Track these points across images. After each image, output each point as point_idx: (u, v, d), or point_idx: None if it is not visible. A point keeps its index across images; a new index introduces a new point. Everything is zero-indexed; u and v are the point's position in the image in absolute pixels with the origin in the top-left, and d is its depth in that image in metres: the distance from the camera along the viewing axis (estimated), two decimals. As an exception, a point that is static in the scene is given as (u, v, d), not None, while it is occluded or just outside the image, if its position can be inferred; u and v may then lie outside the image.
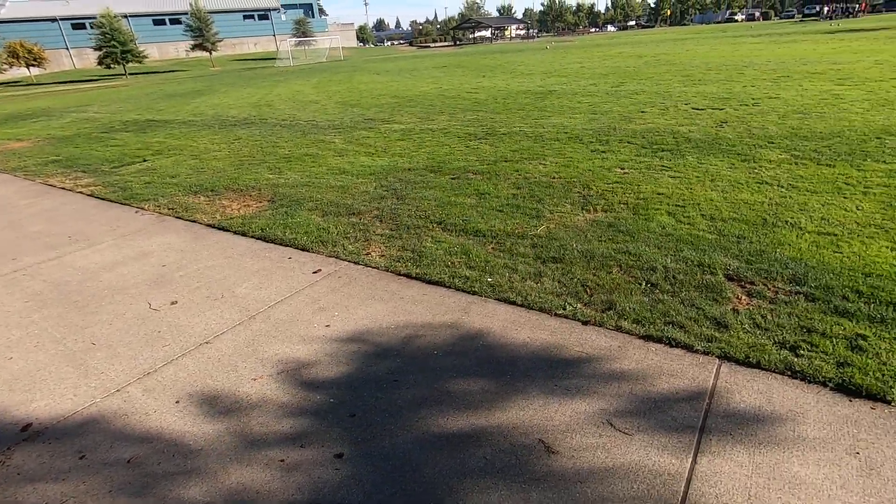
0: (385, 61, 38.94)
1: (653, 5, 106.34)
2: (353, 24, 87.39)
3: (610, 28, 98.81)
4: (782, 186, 4.88)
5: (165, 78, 37.84)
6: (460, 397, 2.41)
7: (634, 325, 2.88)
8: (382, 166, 6.80)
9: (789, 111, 8.20)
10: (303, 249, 4.31)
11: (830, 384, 2.33)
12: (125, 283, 3.93)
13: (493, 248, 4.04)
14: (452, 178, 5.99)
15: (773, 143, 6.43)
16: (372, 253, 4.13)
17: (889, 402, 2.19)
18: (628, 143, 7.02)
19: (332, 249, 4.24)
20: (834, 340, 2.60)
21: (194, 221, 5.29)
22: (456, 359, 2.70)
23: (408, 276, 3.70)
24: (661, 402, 2.28)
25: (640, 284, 3.31)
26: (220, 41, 53.33)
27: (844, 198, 4.50)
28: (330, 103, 14.23)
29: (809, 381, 2.36)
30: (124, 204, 6.14)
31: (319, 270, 3.89)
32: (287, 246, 4.43)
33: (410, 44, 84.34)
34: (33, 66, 43.98)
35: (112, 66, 44.52)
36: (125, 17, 51.79)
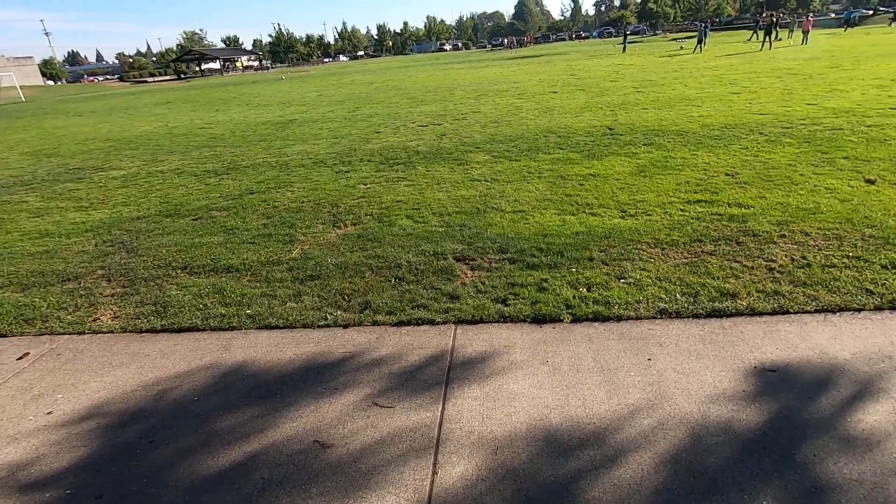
0: (89, 100, 32.82)
1: (376, 38, 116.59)
2: (31, 57, 70.57)
3: (342, 58, 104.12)
4: (487, 181, 6.08)
5: None
6: (229, 432, 2.35)
7: (388, 317, 3.24)
8: (102, 220, 5.84)
9: (487, 122, 10.17)
10: (-2, 336, 3.44)
11: (528, 319, 3.08)
12: None
13: (248, 280, 3.95)
14: (194, 220, 5.56)
15: (478, 147, 7.89)
16: (102, 318, 3.57)
17: (562, 321, 3.03)
18: (368, 161, 7.65)
19: (44, 326, 3.50)
20: (528, 288, 3.43)
21: None
22: (220, 397, 2.60)
23: (152, 331, 3.34)
24: (415, 372, 2.67)
25: (391, 281, 3.73)
26: None
27: (528, 183, 5.88)
28: (12, 155, 11.35)
29: (516, 321, 3.08)
30: None
31: (27, 354, 3.18)
32: (-29, 337, 3.46)
33: (121, 79, 72.73)
34: None
35: None
36: None
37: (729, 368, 2.50)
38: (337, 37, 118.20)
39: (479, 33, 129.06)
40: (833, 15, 61.20)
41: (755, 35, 32.66)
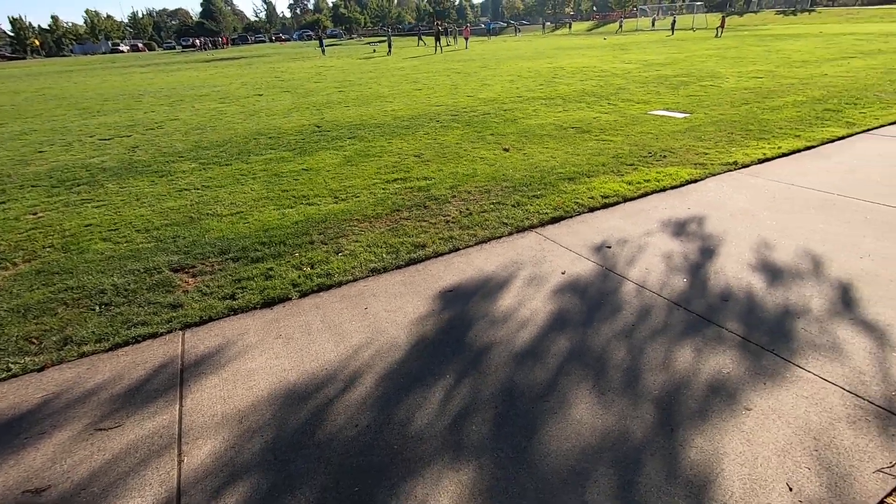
0: None
1: (11, 35, 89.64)
2: None
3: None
4: (198, 189, 5.79)
5: None
6: None
7: (98, 345, 2.93)
8: None
9: (189, 129, 9.42)
10: None
11: (259, 305, 3.26)
12: None
13: None
14: None
15: (182, 156, 7.32)
16: None
17: (291, 299, 3.32)
18: (33, 186, 6.23)
19: None
20: (255, 279, 3.58)
21: None
22: None
23: None
24: (141, 386, 2.56)
25: (94, 309, 3.32)
26: None
27: (242, 185, 5.86)
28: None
29: (247, 310, 3.22)
30: None
31: None
32: None
33: None
34: None
35: None
36: None
37: (423, 298, 3.24)
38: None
39: (163, 33, 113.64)
40: (483, 25, 76.87)
41: (421, 41, 38.82)
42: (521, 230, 4.20)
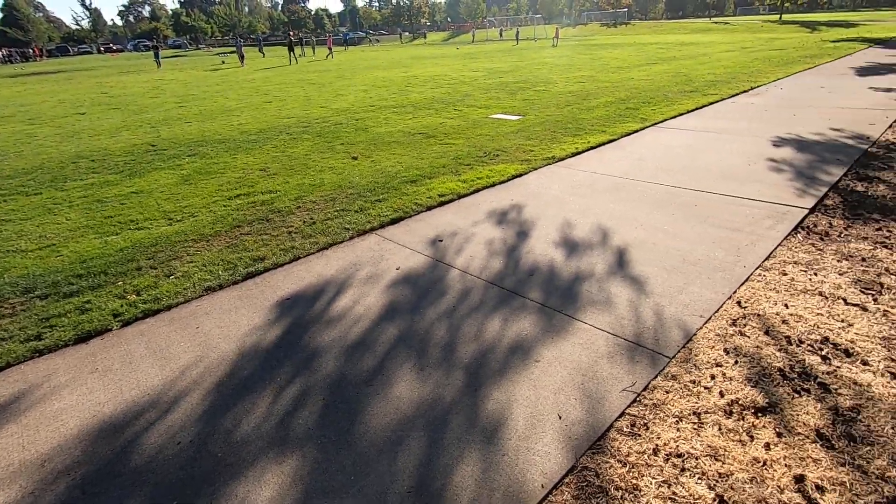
0: None
1: None
2: None
3: None
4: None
5: None
6: None
7: None
8: None
9: (-15, 156, 8.05)
10: None
11: (72, 341, 3.00)
12: None
13: None
14: None
15: (-25, 189, 6.27)
16: None
17: (111, 329, 3.11)
18: None
19: None
20: (67, 315, 3.27)
21: None
22: None
23: None
24: (-86, 451, 2.23)
25: None
26: None
27: (55, 214, 5.23)
28: None
29: (56, 349, 2.94)
30: None
31: None
32: None
33: None
34: None
35: None
36: None
37: (259, 309, 3.26)
38: None
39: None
40: (340, 35, 76.29)
41: (261, 52, 37.75)
42: (362, 233, 4.38)
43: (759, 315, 2.88)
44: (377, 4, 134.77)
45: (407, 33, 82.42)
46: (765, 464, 1.95)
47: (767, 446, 2.02)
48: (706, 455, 2.00)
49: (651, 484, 1.89)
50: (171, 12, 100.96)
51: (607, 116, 8.85)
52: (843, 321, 2.77)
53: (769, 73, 13.51)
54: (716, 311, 2.92)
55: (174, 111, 12.10)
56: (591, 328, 2.82)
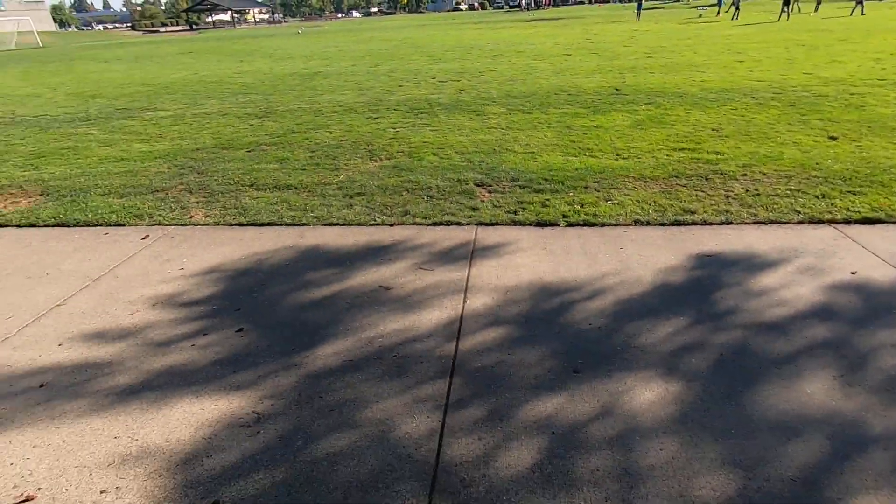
0: (109, 48, 33.16)
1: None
2: (43, 1, 69.93)
3: (355, 14, 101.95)
4: (503, 128, 6.90)
5: None
6: (317, 280, 3.32)
7: (424, 220, 4.18)
8: (166, 150, 6.75)
9: (503, 80, 10.84)
10: (117, 225, 4.41)
11: (533, 223, 4.01)
12: None
13: (306, 194, 4.88)
14: (248, 151, 6.46)
15: (495, 101, 8.65)
16: (196, 216, 4.52)
17: (558, 225, 3.96)
18: (394, 110, 8.45)
19: (152, 220, 4.47)
20: (533, 205, 4.34)
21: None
22: (304, 263, 3.58)
23: (240, 224, 4.30)
24: (447, 252, 3.62)
25: (424, 198, 4.64)
26: None
27: (538, 131, 6.70)
28: (58, 95, 12.19)
29: (523, 225, 4.00)
30: None
31: (147, 236, 4.16)
32: (96, 226, 4.43)
33: (132, 27, 71.97)
34: None
35: None
36: None
37: (679, 254, 3.43)
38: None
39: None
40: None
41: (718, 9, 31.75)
42: (815, 222, 3.78)
43: None
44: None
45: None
46: None
47: None
48: None
49: None
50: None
51: None
52: None
53: None
54: None
55: (642, 61, 12.78)
56: None
